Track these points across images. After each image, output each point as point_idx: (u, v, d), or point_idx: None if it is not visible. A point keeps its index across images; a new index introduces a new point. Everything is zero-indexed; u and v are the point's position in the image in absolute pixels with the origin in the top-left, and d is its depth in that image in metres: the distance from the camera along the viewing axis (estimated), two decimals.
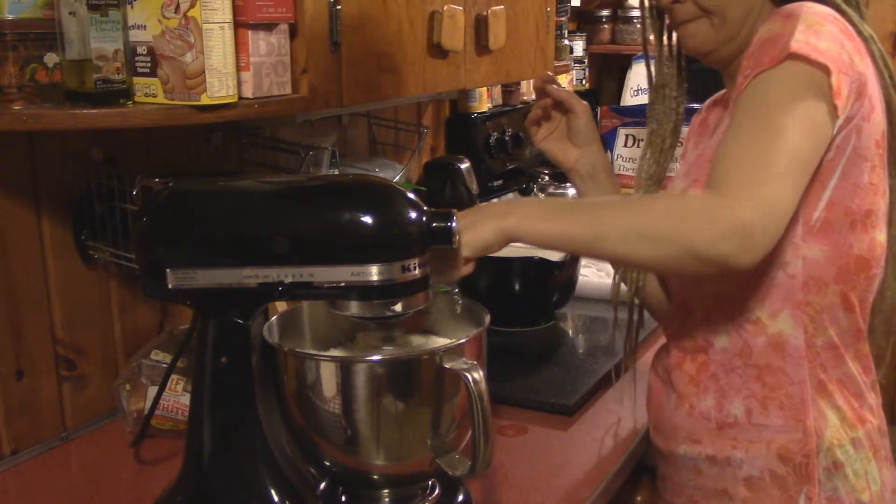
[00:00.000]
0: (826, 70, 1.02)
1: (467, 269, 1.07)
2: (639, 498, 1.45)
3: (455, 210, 1.02)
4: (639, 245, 0.99)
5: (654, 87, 1.31)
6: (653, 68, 1.31)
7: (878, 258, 1.14)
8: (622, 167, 2.61)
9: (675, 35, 1.27)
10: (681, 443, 1.23)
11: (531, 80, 2.63)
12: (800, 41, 1.02)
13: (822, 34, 1.03)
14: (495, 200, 2.44)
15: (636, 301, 1.36)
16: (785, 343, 1.13)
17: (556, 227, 1.03)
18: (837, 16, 1.08)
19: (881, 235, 1.14)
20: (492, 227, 1.04)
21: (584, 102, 1.38)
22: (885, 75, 1.12)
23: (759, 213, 0.96)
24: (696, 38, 1.18)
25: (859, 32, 1.10)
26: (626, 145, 2.63)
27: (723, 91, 1.32)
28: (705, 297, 1.19)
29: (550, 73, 1.41)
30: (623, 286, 1.37)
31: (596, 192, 1.36)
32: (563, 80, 2.90)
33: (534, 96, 2.68)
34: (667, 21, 1.26)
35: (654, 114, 1.31)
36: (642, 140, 1.35)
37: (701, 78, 1.35)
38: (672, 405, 1.24)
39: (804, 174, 1.02)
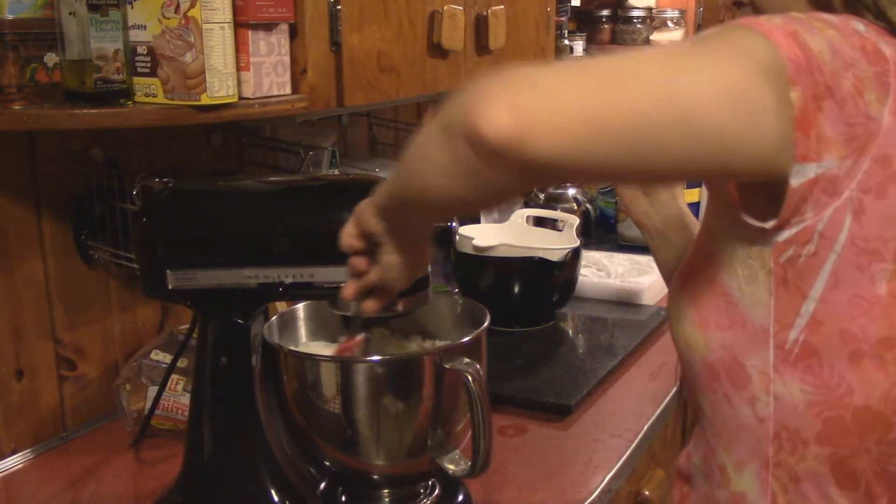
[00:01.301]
0: (790, 78, 0.67)
1: (358, 264, 0.90)
2: (639, 498, 1.45)
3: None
4: (416, 157, 0.79)
5: None
6: None
7: None
8: None
9: None
10: None
11: None
12: (771, 22, 0.70)
13: (818, 37, 0.70)
14: None
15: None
16: None
17: (389, 179, 0.85)
18: (870, 33, 0.72)
19: None
20: (365, 200, 0.88)
21: None
22: None
23: (511, 126, 0.64)
24: None
25: None
26: None
27: None
28: (693, 417, 0.96)
29: None
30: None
31: (665, 253, 1.13)
32: None
33: None
34: None
35: None
36: None
37: None
38: None
39: (653, 144, 0.66)
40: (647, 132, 0.65)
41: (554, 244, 1.79)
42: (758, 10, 0.85)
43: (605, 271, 2.07)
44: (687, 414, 1.26)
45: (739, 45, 0.68)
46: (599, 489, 1.25)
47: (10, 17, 1.09)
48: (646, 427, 1.40)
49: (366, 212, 0.86)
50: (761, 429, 0.79)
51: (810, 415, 0.76)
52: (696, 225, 1.09)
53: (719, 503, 0.86)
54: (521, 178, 0.67)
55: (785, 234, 0.73)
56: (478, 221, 2.12)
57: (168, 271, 0.99)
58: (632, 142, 0.65)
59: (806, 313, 0.75)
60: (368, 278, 0.91)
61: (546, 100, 0.66)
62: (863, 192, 0.71)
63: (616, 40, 3.17)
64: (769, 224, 0.73)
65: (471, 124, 0.65)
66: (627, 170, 0.70)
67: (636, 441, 1.38)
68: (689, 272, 0.86)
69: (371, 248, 0.89)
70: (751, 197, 0.75)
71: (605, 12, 3.15)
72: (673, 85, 0.66)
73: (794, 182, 0.69)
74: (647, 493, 1.46)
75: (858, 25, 0.72)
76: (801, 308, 0.75)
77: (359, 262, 0.91)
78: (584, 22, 3.14)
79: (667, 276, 1.12)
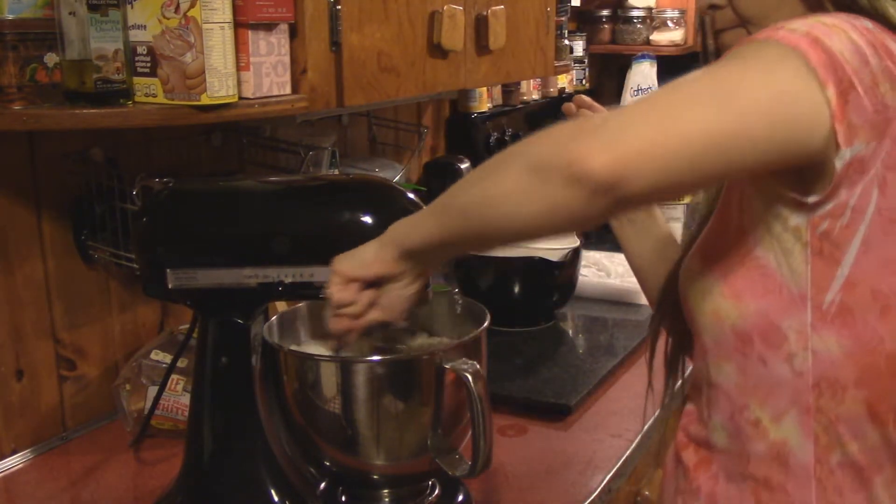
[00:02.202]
0: (819, 77, 0.77)
1: (362, 297, 0.95)
2: (638, 498, 1.45)
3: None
4: (499, 201, 0.82)
5: None
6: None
7: None
8: None
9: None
10: None
11: (531, 80, 2.63)
12: (795, 31, 0.79)
13: (837, 38, 0.80)
14: None
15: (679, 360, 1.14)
16: (789, 454, 0.90)
17: (429, 222, 0.91)
18: (876, 30, 0.83)
19: None
20: (371, 246, 0.95)
21: None
22: None
23: (609, 169, 0.74)
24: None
25: None
26: None
27: None
28: (706, 379, 0.98)
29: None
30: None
31: (634, 240, 1.22)
32: (563, 80, 2.90)
33: (534, 96, 2.69)
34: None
35: None
36: None
37: None
38: (671, 494, 1.05)
39: (725, 160, 0.78)
40: (720, 147, 0.76)
41: (554, 244, 1.79)
42: (737, 12, 0.98)
43: (605, 271, 2.07)
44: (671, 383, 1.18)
45: (773, 58, 0.79)
46: (599, 489, 1.25)
47: (10, 17, 1.09)
48: (646, 427, 1.40)
49: (375, 260, 0.93)
50: (800, 381, 0.88)
51: (849, 364, 0.87)
52: (657, 209, 1.22)
53: (754, 455, 0.92)
54: (615, 209, 0.78)
55: (821, 210, 0.84)
56: None
57: (168, 271, 0.99)
58: (708, 158, 0.77)
59: (841, 277, 0.85)
60: (370, 317, 0.96)
61: (636, 139, 0.76)
62: (886, 169, 0.82)
63: (616, 40, 3.17)
64: (811, 199, 0.84)
65: (575, 167, 0.75)
66: (704, 182, 0.88)
67: (636, 441, 1.38)
68: (714, 251, 0.93)
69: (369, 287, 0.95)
70: (788, 179, 0.85)
71: (605, 12, 3.15)
72: (732, 100, 0.77)
73: (838, 165, 0.80)
74: (647, 493, 1.46)
75: (867, 23, 0.83)
76: (836, 273, 0.85)
77: (358, 307, 0.95)
78: (584, 22, 3.14)
79: (635, 256, 1.23)
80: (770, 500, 0.92)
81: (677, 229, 1.30)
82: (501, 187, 0.82)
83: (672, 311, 1.05)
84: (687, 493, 1.00)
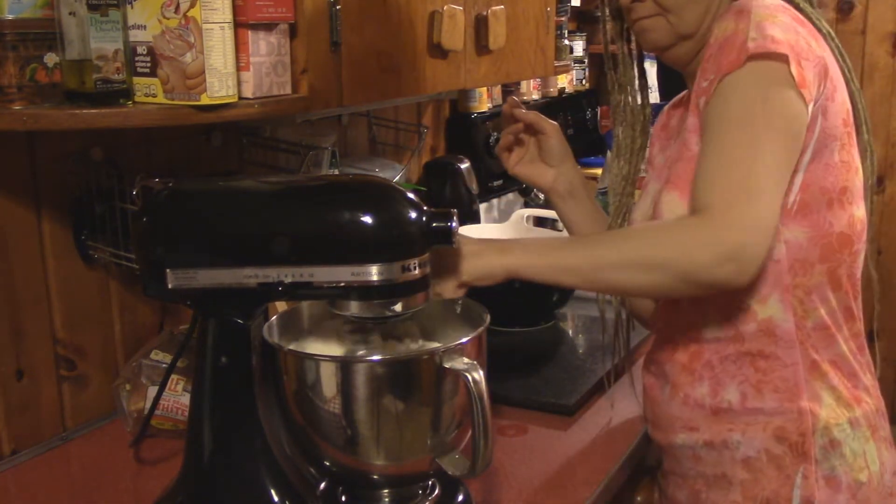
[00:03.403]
0: (785, 59, 1.04)
1: (460, 293, 1.11)
2: (639, 498, 1.45)
3: (462, 237, 1.05)
4: (636, 274, 1.05)
5: (618, 89, 1.34)
6: (615, 72, 1.34)
7: (859, 233, 1.16)
8: None
9: (633, 37, 1.31)
10: (678, 432, 1.24)
11: (531, 80, 2.63)
12: (755, 38, 1.05)
13: (775, 24, 1.06)
14: (495, 202, 2.44)
15: (623, 311, 1.40)
16: (776, 327, 1.15)
17: (555, 261, 1.08)
18: (787, 6, 1.11)
19: (859, 211, 1.16)
20: (495, 262, 1.09)
21: (553, 122, 1.40)
22: (845, 70, 1.16)
23: (748, 235, 1.01)
24: (652, 34, 1.22)
25: (818, 28, 1.14)
26: None
27: (683, 93, 1.33)
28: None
29: (515, 98, 1.45)
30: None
31: (577, 210, 1.42)
32: (563, 80, 2.90)
33: (534, 96, 2.69)
34: (626, 24, 1.29)
35: (619, 115, 1.34)
36: (612, 143, 1.36)
37: (680, 77, 1.34)
38: (667, 396, 1.25)
39: (785, 181, 1.07)
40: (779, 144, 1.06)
41: None
42: (658, 2, 1.18)
43: None
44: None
45: (776, 79, 1.05)
46: (599, 489, 1.25)
47: (10, 17, 1.09)
48: (646, 427, 1.40)
49: (494, 279, 1.09)
50: (778, 267, 1.13)
51: (811, 245, 1.13)
52: (590, 184, 1.46)
53: (746, 334, 1.16)
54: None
55: None
56: (478, 221, 2.12)
57: (168, 271, 0.99)
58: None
59: (799, 181, 1.11)
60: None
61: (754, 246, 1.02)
62: (826, 100, 1.10)
63: (616, 40, 3.17)
64: None
65: (720, 286, 1.04)
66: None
67: (636, 441, 1.37)
68: (687, 181, 1.13)
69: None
70: None
71: None
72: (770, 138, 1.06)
73: (808, 112, 1.07)
74: (647, 492, 1.46)
75: (783, 3, 1.12)
76: (795, 179, 1.10)
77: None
78: (584, 22, 3.14)
79: (574, 224, 1.43)
80: (766, 365, 1.16)
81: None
82: (643, 283, 1.05)
83: None
84: (687, 384, 1.21)
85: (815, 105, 1.08)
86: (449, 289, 1.10)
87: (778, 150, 1.05)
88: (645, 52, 1.35)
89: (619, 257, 1.06)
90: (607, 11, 1.32)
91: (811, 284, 1.14)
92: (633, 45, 1.33)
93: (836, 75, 1.12)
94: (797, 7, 1.14)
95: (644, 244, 1.06)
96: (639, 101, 1.33)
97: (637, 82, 1.34)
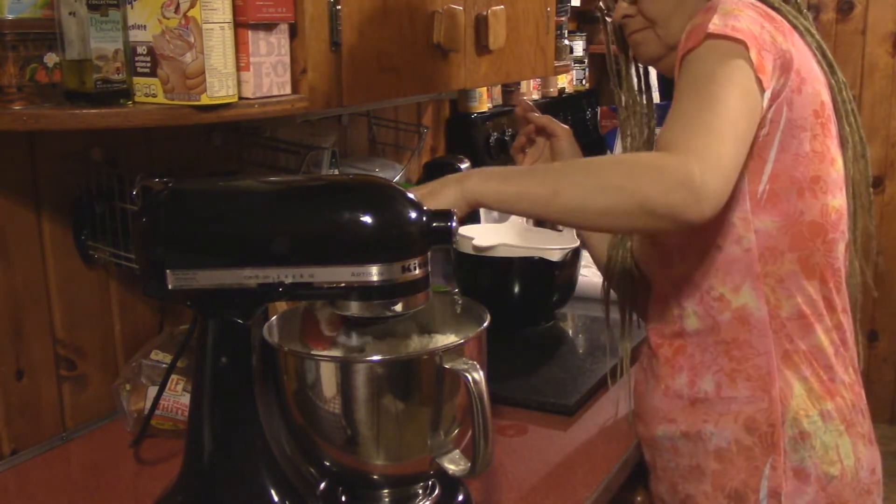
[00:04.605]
0: (744, 45, 1.07)
1: None
2: (638, 498, 1.45)
3: (414, 186, 1.04)
4: (594, 198, 1.03)
5: (624, 105, 1.37)
6: (621, 88, 1.37)
7: (833, 223, 1.18)
8: None
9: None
10: (659, 424, 1.26)
11: (531, 80, 2.63)
12: (717, 24, 1.09)
13: (739, 17, 1.10)
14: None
15: (626, 301, 1.41)
16: (749, 316, 1.17)
17: (515, 187, 1.07)
18: (757, 3, 1.15)
19: (835, 201, 1.18)
20: (453, 191, 1.08)
21: (565, 126, 1.44)
22: (823, 64, 1.20)
23: (705, 166, 1.00)
24: (644, 47, 1.28)
25: (794, 27, 1.18)
26: None
27: None
28: (675, 280, 1.24)
29: (528, 101, 1.49)
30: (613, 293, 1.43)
31: None
32: (563, 80, 2.90)
33: (534, 96, 2.69)
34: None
35: (627, 129, 1.37)
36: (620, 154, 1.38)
37: None
38: (650, 389, 1.28)
39: (744, 136, 1.07)
40: (739, 121, 1.06)
41: (554, 244, 1.79)
42: (645, 16, 1.24)
43: None
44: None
45: (734, 55, 1.08)
46: (599, 489, 1.25)
47: (10, 17, 1.09)
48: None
49: (452, 207, 1.05)
50: (749, 256, 1.16)
51: (781, 235, 1.15)
52: None
53: (723, 324, 1.19)
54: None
55: None
56: (478, 221, 2.12)
57: (168, 271, 0.99)
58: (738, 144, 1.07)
59: (768, 171, 1.14)
60: None
61: (719, 180, 1.02)
62: (792, 93, 1.12)
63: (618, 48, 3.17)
64: None
65: (674, 214, 1.00)
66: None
67: (635, 441, 1.38)
68: None
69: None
70: None
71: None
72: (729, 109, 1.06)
73: (764, 99, 1.10)
74: (647, 493, 1.46)
75: (755, 1, 1.15)
76: (764, 169, 1.14)
77: None
78: (584, 22, 3.14)
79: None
80: (739, 354, 1.19)
81: None
82: (599, 205, 1.03)
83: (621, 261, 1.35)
84: (668, 376, 1.25)
85: (777, 97, 1.11)
86: None
87: (736, 108, 1.05)
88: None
89: (579, 182, 1.05)
90: (610, 29, 1.36)
91: (782, 273, 1.16)
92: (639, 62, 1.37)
93: (807, 69, 1.15)
94: (769, 4, 1.17)
95: (604, 170, 1.07)
96: (644, 115, 1.37)
97: (637, 84, 1.37)
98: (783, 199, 1.14)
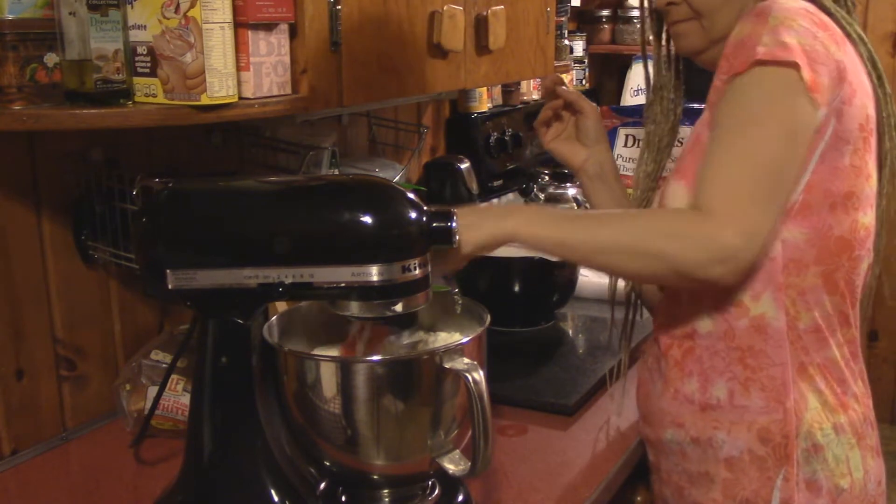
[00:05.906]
0: (795, 66, 1.04)
1: (462, 264, 1.12)
2: (639, 498, 1.45)
3: (455, 209, 1.02)
4: (632, 260, 1.07)
5: (653, 89, 1.34)
6: (651, 69, 1.34)
7: (861, 240, 1.15)
8: (622, 167, 2.60)
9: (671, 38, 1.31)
10: (667, 427, 1.25)
11: (531, 80, 2.63)
12: (767, 45, 1.05)
13: (791, 29, 1.05)
14: (495, 202, 2.44)
15: (633, 298, 1.40)
16: (767, 325, 1.15)
17: (555, 234, 1.09)
18: (812, 9, 1.10)
19: (865, 218, 1.15)
20: (492, 227, 1.09)
21: (593, 104, 1.41)
22: (873, 76, 1.16)
23: (743, 239, 1.03)
24: (686, 39, 1.23)
25: (848, 34, 1.13)
26: (626, 145, 2.63)
27: None
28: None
29: (559, 75, 1.45)
30: (620, 283, 1.41)
31: (604, 192, 1.42)
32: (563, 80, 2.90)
33: (534, 96, 2.69)
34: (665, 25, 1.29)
35: (651, 114, 1.35)
36: (642, 140, 1.37)
37: (705, 77, 1.35)
38: (658, 391, 1.26)
39: (785, 189, 1.08)
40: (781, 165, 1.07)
41: None
42: (692, 7, 1.19)
43: None
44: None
45: (784, 86, 1.05)
46: (599, 489, 1.25)
47: (10, 17, 1.09)
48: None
49: (494, 246, 1.10)
50: (773, 265, 1.13)
51: (808, 247, 1.12)
52: (618, 170, 1.45)
53: (738, 330, 1.16)
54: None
55: None
56: None
57: (168, 271, 0.99)
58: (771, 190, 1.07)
59: (804, 181, 1.10)
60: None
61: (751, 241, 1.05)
62: (842, 104, 1.09)
63: (616, 40, 3.17)
64: None
65: (709, 284, 1.06)
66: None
67: (635, 441, 1.37)
68: (693, 175, 1.12)
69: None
70: None
71: (605, 12, 3.15)
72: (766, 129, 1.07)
73: (820, 116, 1.07)
74: (647, 493, 1.46)
75: (809, 6, 1.11)
76: (801, 178, 1.10)
77: None
78: (584, 22, 3.14)
79: (600, 205, 1.43)
80: (754, 363, 1.16)
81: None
82: (636, 268, 1.08)
83: None
84: (678, 380, 1.22)
85: (828, 108, 1.07)
86: (452, 262, 1.10)
87: (781, 157, 1.05)
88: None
89: (618, 241, 1.07)
90: (646, 9, 1.32)
91: (805, 285, 1.14)
92: (672, 47, 1.32)
93: (858, 80, 1.11)
94: (824, 9, 1.13)
95: (644, 231, 1.07)
96: (671, 101, 1.33)
97: (673, 83, 1.33)
98: (814, 212, 1.11)
